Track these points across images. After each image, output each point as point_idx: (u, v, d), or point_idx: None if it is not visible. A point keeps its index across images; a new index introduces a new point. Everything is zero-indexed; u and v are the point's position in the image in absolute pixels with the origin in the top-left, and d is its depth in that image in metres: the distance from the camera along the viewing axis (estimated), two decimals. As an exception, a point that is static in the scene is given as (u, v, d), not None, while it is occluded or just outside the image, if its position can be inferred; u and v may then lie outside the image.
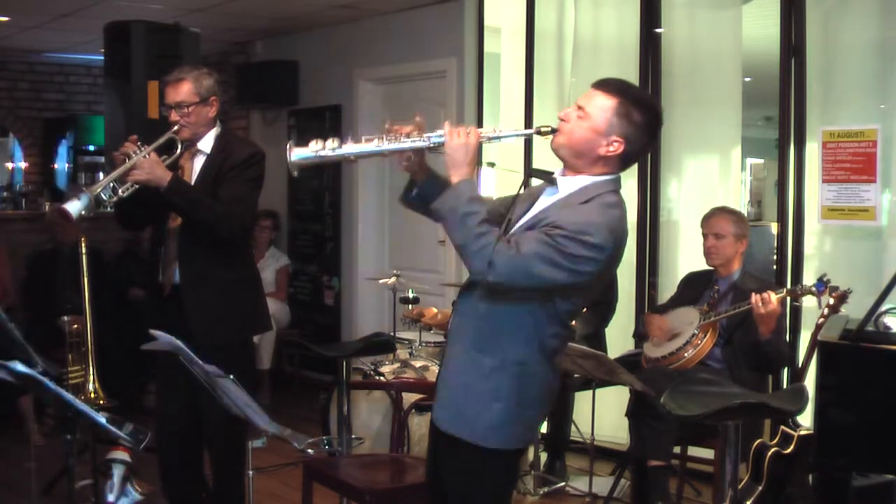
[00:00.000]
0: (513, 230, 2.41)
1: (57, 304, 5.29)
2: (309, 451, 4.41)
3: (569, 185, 2.39)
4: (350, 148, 2.41)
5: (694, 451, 4.20)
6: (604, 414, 4.85)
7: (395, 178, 6.17)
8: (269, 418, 2.86)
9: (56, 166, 8.63)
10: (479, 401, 2.36)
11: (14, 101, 8.37)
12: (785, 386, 4.30)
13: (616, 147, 2.35)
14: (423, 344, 5.05)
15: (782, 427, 3.55)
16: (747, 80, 5.19)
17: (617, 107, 2.34)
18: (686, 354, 3.95)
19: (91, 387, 4.48)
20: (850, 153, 4.32)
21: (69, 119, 8.53)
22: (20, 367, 2.64)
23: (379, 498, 3.13)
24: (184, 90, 3.44)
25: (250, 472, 3.34)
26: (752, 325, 3.78)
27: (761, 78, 5.20)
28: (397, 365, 4.75)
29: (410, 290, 5.29)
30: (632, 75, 4.83)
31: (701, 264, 4.24)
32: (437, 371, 2.72)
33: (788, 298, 3.95)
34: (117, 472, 4.20)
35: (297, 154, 2.38)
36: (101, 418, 2.63)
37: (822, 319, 3.54)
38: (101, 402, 4.48)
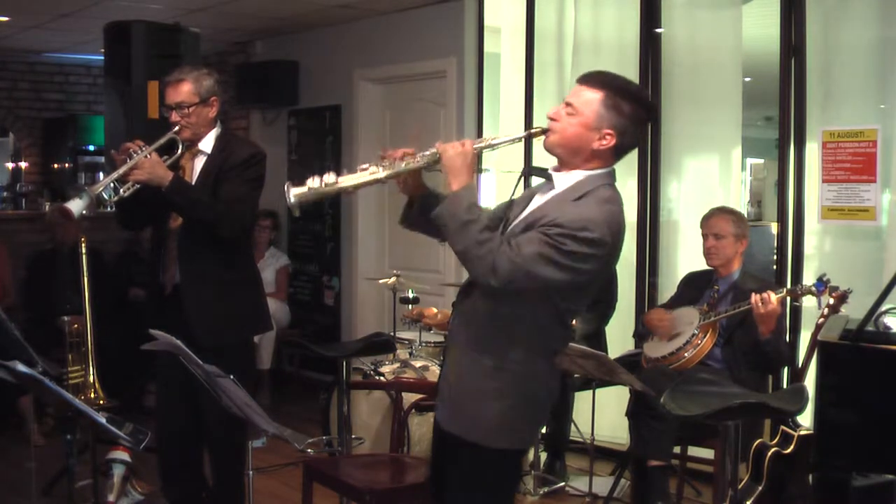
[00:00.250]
0: (510, 230, 2.40)
1: (57, 304, 5.29)
2: (309, 451, 4.42)
3: (564, 180, 2.40)
4: (346, 180, 2.41)
5: (694, 451, 4.20)
6: (604, 414, 4.85)
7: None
8: (269, 418, 2.86)
9: (56, 166, 8.62)
10: (480, 400, 2.37)
11: (14, 101, 8.35)
12: (785, 386, 4.30)
13: (609, 140, 2.35)
14: (423, 344, 5.04)
15: (782, 427, 3.55)
16: (747, 79, 5.18)
17: (604, 99, 2.35)
18: (686, 354, 3.95)
19: (91, 387, 4.49)
20: (850, 153, 4.32)
21: (69, 119, 8.52)
22: (20, 367, 2.64)
23: (379, 498, 3.13)
24: (184, 91, 3.44)
25: (250, 472, 3.34)
26: (752, 325, 3.78)
27: (761, 78, 5.20)
28: (397, 365, 4.74)
29: (410, 290, 5.28)
30: (632, 75, 4.80)
31: (701, 264, 4.24)
32: (437, 371, 2.73)
33: (788, 298, 3.95)
34: (117, 472, 4.20)
35: (295, 194, 2.38)
36: (101, 418, 2.64)
37: (822, 319, 3.54)
38: (101, 402, 4.50)
